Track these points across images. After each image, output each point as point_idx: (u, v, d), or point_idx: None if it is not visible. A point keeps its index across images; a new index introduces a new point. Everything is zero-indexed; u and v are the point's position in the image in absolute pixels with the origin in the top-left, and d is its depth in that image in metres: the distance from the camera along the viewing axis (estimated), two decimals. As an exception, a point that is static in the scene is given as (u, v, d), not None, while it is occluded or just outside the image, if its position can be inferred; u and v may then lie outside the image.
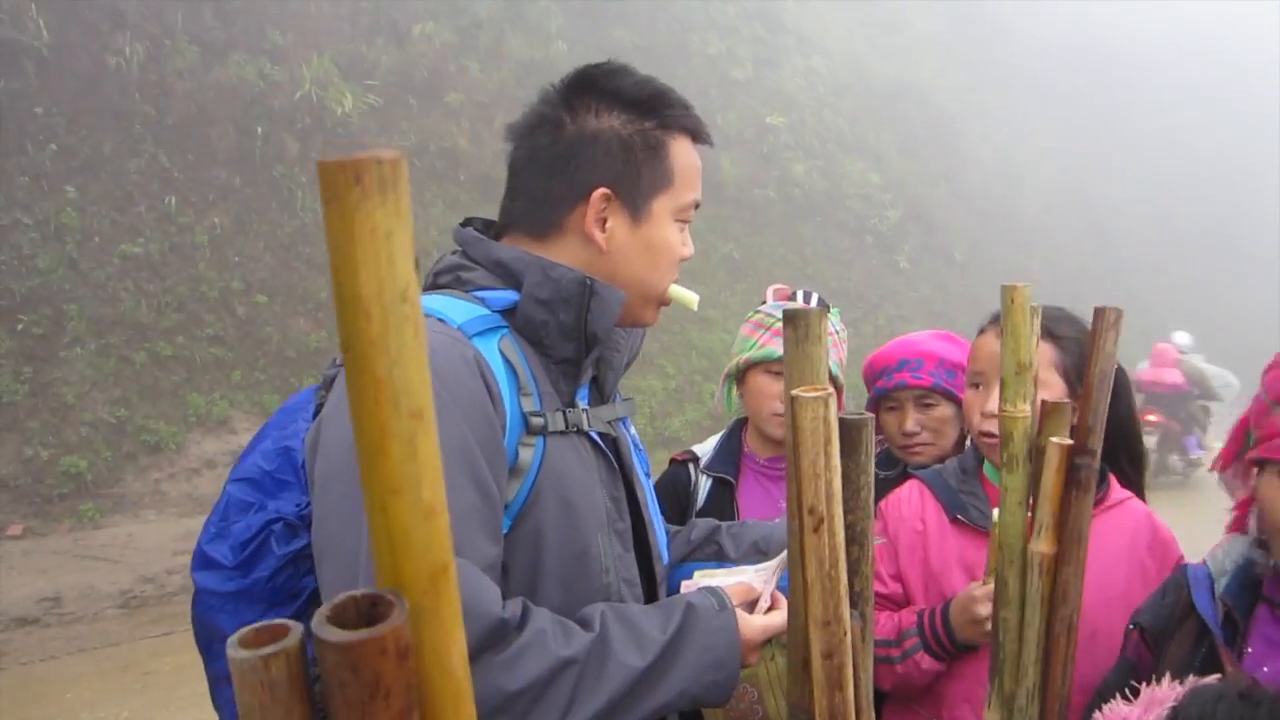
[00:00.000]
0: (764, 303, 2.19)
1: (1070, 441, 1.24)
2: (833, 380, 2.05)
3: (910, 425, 2.06)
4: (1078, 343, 1.68)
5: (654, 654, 1.15)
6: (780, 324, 2.04)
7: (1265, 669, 1.21)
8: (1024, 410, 1.30)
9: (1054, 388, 1.66)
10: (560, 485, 1.22)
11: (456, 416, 1.11)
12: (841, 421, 0.91)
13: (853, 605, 0.94)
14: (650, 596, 1.37)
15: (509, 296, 1.27)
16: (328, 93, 9.13)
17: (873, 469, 0.95)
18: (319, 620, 0.44)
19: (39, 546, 5.81)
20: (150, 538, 5.99)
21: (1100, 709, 0.95)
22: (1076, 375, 1.67)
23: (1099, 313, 1.28)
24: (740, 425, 2.22)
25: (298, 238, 8.45)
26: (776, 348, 2.01)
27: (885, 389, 2.15)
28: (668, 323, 11.01)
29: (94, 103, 7.85)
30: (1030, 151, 20.39)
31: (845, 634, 0.85)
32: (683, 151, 1.32)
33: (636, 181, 1.28)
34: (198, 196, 8.04)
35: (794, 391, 0.81)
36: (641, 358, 10.90)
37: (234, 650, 0.45)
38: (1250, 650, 1.25)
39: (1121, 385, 1.74)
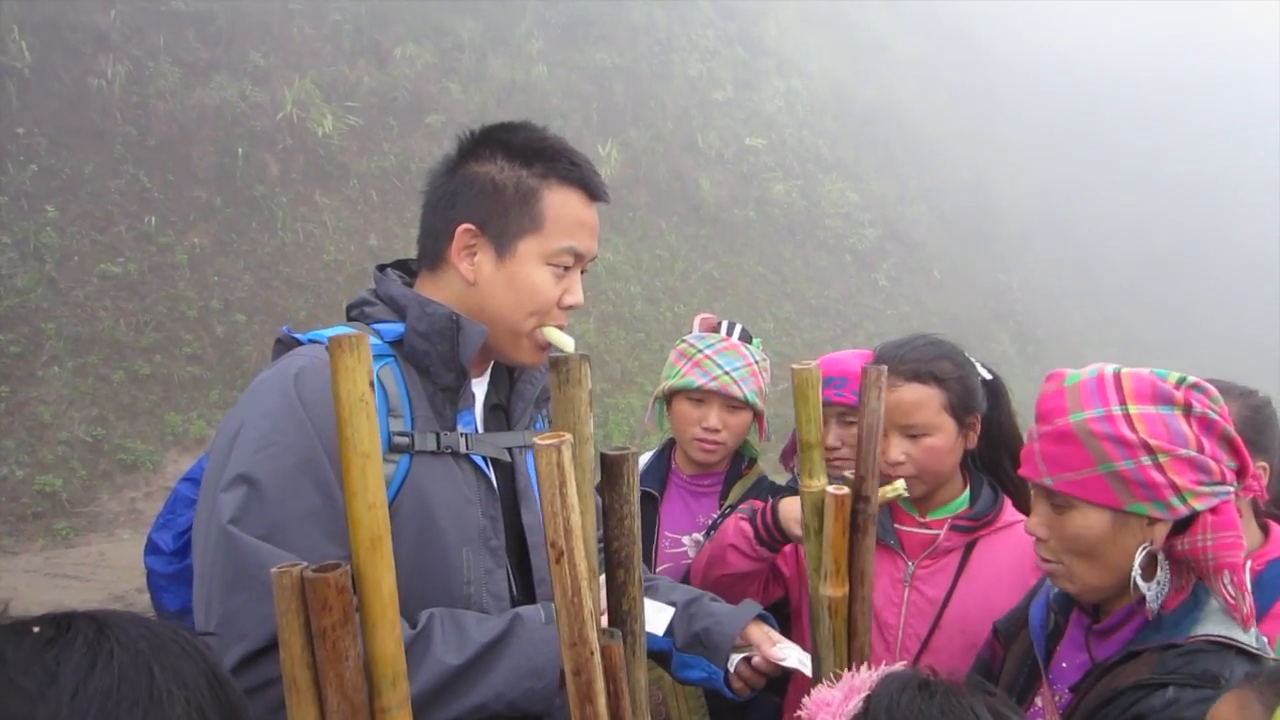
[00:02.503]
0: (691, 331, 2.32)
1: (845, 490, 1.35)
2: (751, 408, 2.17)
3: (832, 440, 2.17)
4: (959, 380, 1.77)
5: (471, 654, 1.24)
6: (701, 354, 2.19)
7: (1064, 664, 1.36)
8: (817, 484, 1.40)
9: (946, 429, 1.75)
10: (423, 500, 1.33)
11: (309, 431, 1.25)
12: (603, 458, 1.01)
13: (621, 625, 1.03)
14: None
15: (399, 329, 1.40)
16: (309, 113, 9.21)
17: (636, 499, 1.02)
18: (309, 570, 0.86)
19: (10, 565, 5.81)
20: (123, 556, 6.00)
21: (809, 693, 1.07)
22: (964, 409, 1.77)
23: (865, 372, 1.39)
24: (672, 444, 2.34)
25: (277, 257, 8.51)
26: (696, 378, 2.16)
27: None
28: (648, 340, 11.10)
29: (76, 123, 7.91)
30: (1008, 172, 20.65)
31: (592, 653, 0.93)
32: (562, 202, 1.42)
33: (504, 222, 1.40)
34: (178, 216, 8.10)
35: (535, 439, 0.90)
36: (621, 376, 10.96)
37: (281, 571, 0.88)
38: (1060, 649, 1.38)
39: (1000, 394, 1.90)
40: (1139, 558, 1.23)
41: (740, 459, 2.32)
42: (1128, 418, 1.24)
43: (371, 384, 0.91)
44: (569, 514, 0.90)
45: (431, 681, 1.21)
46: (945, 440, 1.75)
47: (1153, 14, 27.29)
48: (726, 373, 2.14)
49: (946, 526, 1.79)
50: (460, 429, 1.41)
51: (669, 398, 2.26)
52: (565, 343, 1.44)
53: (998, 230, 18.94)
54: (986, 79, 22.11)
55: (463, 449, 1.39)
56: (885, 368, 1.40)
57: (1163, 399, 1.25)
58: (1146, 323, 20.86)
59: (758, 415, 2.24)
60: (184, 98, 8.59)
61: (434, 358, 1.38)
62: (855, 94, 17.77)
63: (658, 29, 14.29)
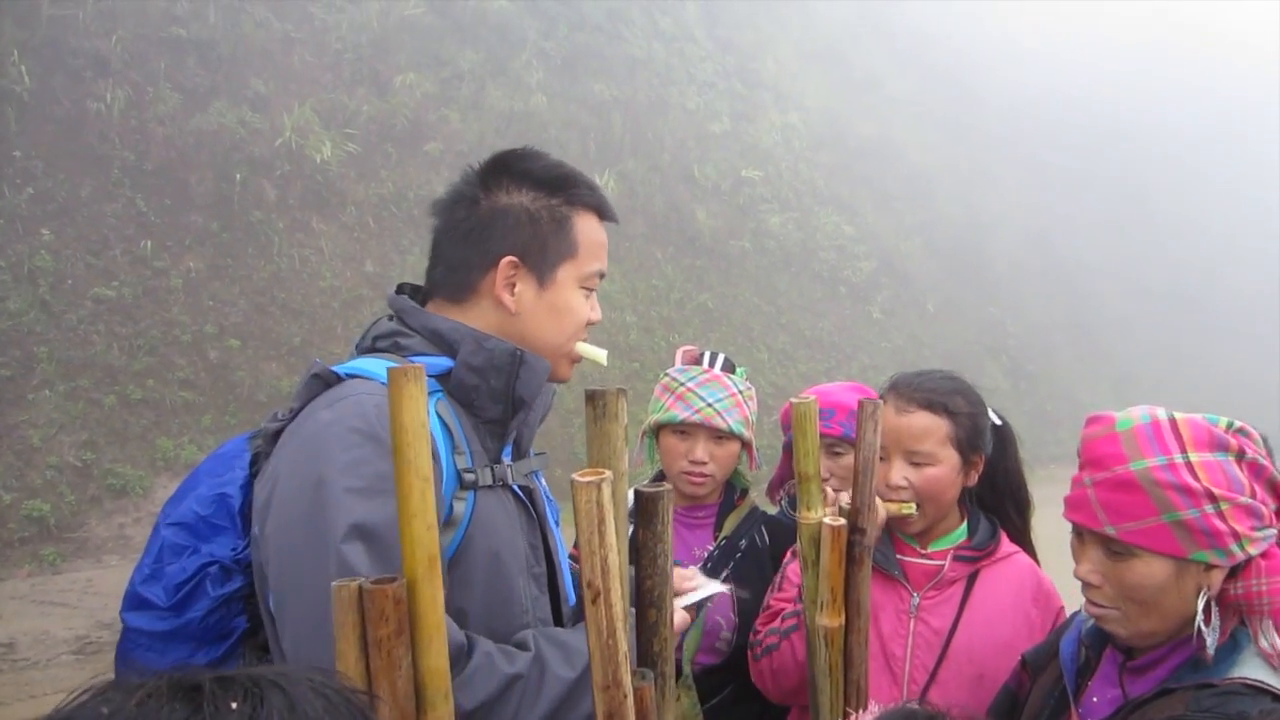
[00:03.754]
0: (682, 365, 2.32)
1: (842, 522, 1.35)
2: (739, 438, 2.16)
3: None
4: (970, 416, 1.79)
5: (583, 666, 1.25)
6: (684, 387, 2.19)
7: (1095, 699, 1.36)
8: (814, 516, 1.41)
9: (949, 461, 1.76)
10: (488, 535, 1.34)
11: None
12: (638, 494, 0.98)
13: (652, 665, 1.01)
14: None
15: (444, 363, 1.38)
16: (308, 140, 9.26)
17: (670, 537, 1.00)
18: (367, 581, 0.90)
19: (-5, 591, 5.73)
20: (110, 583, 5.92)
21: None
22: (971, 446, 1.78)
23: (861, 405, 1.40)
24: (662, 477, 2.33)
25: (273, 283, 8.51)
26: (679, 412, 2.16)
27: None
28: (642, 369, 11.10)
29: (73, 147, 7.93)
30: (1001, 207, 20.83)
31: (625, 696, 0.92)
32: (587, 226, 1.46)
33: (543, 251, 1.42)
34: (174, 241, 8.10)
35: (573, 476, 0.88)
36: (616, 405, 10.98)
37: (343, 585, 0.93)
38: (1091, 684, 1.38)
39: (1008, 440, 1.91)
40: (1200, 604, 1.25)
41: (733, 490, 2.31)
42: (1189, 466, 1.25)
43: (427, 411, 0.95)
44: (606, 553, 0.88)
45: (557, 697, 1.23)
46: (946, 473, 1.76)
47: (1145, 55, 27.70)
48: (709, 405, 2.14)
49: (950, 556, 1.80)
50: (504, 461, 1.43)
51: (656, 432, 2.26)
52: (598, 354, 1.49)
53: (991, 265, 19.06)
54: (980, 116, 22.37)
55: (510, 480, 1.41)
56: (882, 402, 1.40)
57: (1219, 446, 1.27)
58: (1139, 358, 20.94)
59: (746, 445, 2.23)
60: (183, 123, 8.63)
61: (483, 391, 1.38)
62: (851, 129, 17.95)
63: (656, 62, 14.45)
